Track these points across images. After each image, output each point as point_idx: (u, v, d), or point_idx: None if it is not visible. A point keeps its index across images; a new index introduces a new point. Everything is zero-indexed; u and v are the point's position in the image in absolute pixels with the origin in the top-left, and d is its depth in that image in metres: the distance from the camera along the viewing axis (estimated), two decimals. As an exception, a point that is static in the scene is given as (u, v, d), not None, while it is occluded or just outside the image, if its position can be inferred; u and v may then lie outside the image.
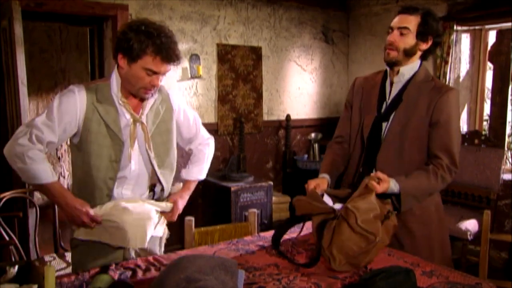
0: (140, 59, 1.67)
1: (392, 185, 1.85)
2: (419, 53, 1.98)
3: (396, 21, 1.98)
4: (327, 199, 1.84)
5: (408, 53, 1.95)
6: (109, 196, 1.82)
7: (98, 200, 1.80)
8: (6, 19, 3.15)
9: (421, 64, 2.02)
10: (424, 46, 1.97)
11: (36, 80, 5.39)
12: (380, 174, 1.81)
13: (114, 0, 3.58)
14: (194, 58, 4.01)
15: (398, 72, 2.00)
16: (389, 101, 2.01)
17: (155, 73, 1.71)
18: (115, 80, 1.78)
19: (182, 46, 3.95)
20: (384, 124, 2.00)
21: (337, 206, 1.78)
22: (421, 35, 1.93)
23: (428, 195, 1.97)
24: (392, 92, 2.02)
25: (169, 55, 1.69)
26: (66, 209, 1.74)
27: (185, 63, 3.98)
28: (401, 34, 1.94)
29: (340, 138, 2.22)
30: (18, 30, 3.04)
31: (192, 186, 2.11)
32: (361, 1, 4.81)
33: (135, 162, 1.83)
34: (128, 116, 1.79)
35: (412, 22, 1.93)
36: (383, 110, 2.02)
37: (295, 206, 1.79)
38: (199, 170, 2.12)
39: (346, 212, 1.66)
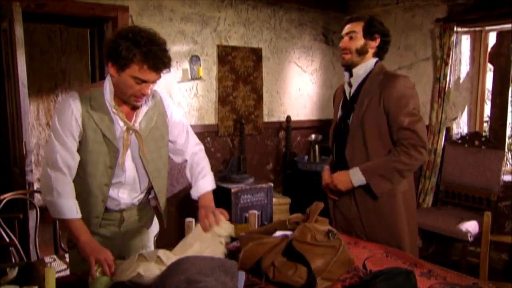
0: (128, 67, 1.64)
1: (352, 175, 2.08)
2: (371, 51, 2.17)
3: (344, 29, 2.21)
4: (279, 234, 1.76)
5: (361, 52, 2.15)
6: (104, 202, 1.82)
7: (93, 206, 1.80)
8: (7, 20, 3.15)
9: (377, 62, 2.19)
10: (374, 44, 2.16)
11: (37, 81, 5.40)
12: (327, 179, 2.19)
13: (114, 1, 3.59)
14: (194, 59, 4.02)
15: (352, 73, 2.19)
16: (349, 100, 2.21)
17: (143, 81, 1.67)
18: (108, 88, 1.76)
19: (183, 48, 3.96)
20: (348, 122, 2.18)
21: (279, 233, 1.74)
22: (368, 34, 2.14)
23: (401, 176, 2.04)
24: (351, 92, 2.21)
25: (156, 64, 1.64)
26: (84, 249, 1.67)
27: (185, 64, 3.98)
28: (350, 38, 2.16)
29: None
30: (19, 31, 3.05)
31: (210, 198, 2.02)
32: (361, 3, 4.82)
33: (129, 169, 1.83)
34: (121, 123, 1.78)
35: (358, 26, 2.16)
36: (344, 110, 2.23)
37: (242, 259, 1.62)
38: (208, 181, 2.03)
39: (302, 231, 1.62)
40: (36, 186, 5.23)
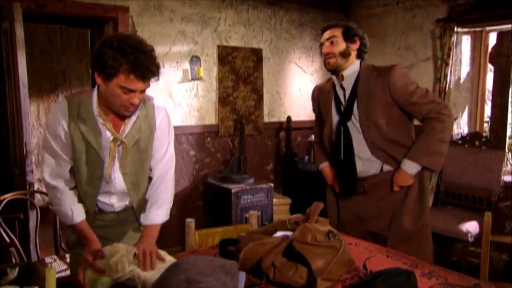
0: (115, 77, 1.56)
1: (406, 167, 2.15)
2: (353, 53, 2.26)
3: (324, 36, 2.29)
4: (281, 234, 1.76)
5: (344, 55, 2.23)
6: (89, 212, 1.81)
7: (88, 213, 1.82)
8: (7, 21, 3.15)
9: (361, 63, 2.28)
10: (355, 46, 2.25)
11: (37, 82, 5.40)
12: (395, 180, 2.18)
13: (115, 1, 3.59)
14: (194, 60, 4.02)
15: (343, 77, 2.26)
16: (345, 103, 2.26)
17: (131, 91, 1.59)
18: (94, 97, 1.70)
19: (183, 48, 3.96)
20: (349, 124, 2.24)
21: (279, 234, 1.74)
22: (348, 37, 2.23)
23: (445, 142, 2.14)
24: (346, 94, 2.27)
25: (143, 73, 1.57)
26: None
27: (185, 64, 3.98)
28: (332, 43, 2.24)
29: (318, 139, 2.60)
30: (19, 32, 3.05)
31: (156, 233, 1.83)
32: (362, 3, 4.82)
33: (119, 178, 1.78)
34: (108, 134, 1.72)
35: (336, 31, 2.25)
36: (343, 112, 2.27)
37: (243, 259, 1.62)
38: (161, 213, 1.85)
39: (302, 231, 1.63)
40: (36, 186, 5.23)
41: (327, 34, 2.27)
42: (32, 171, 3.19)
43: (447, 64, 3.92)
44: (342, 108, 2.28)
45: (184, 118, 4.04)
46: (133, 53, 1.54)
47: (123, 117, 1.74)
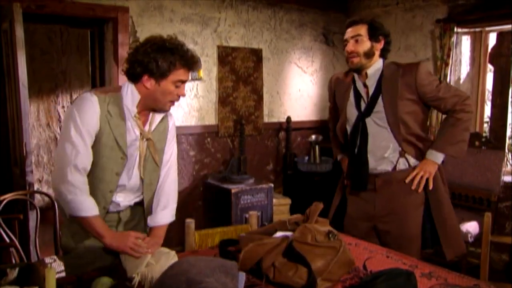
0: (170, 73, 1.72)
1: (432, 157, 2.22)
2: (377, 53, 2.26)
3: (348, 33, 2.25)
4: (281, 235, 1.75)
5: (368, 55, 2.23)
6: (106, 209, 1.82)
7: None
8: (7, 21, 3.15)
9: (383, 61, 2.29)
10: (379, 46, 2.25)
11: (37, 82, 5.40)
12: (419, 171, 2.20)
13: (115, 2, 3.59)
14: (194, 60, 4.01)
15: (366, 75, 2.26)
16: (369, 99, 2.26)
17: (183, 82, 1.78)
18: (130, 95, 1.77)
19: (183, 48, 3.95)
20: (368, 121, 2.25)
21: (279, 234, 1.74)
22: (373, 37, 2.22)
23: (468, 130, 2.24)
24: (369, 92, 2.27)
25: (194, 63, 1.78)
26: (112, 245, 1.73)
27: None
28: (356, 41, 2.22)
29: (333, 129, 2.57)
30: (19, 32, 3.05)
31: (163, 234, 1.91)
32: (361, 3, 4.82)
33: (135, 175, 1.85)
34: (137, 131, 1.80)
35: (361, 29, 2.22)
36: (363, 109, 2.27)
37: (243, 259, 1.62)
38: (167, 214, 1.93)
39: (302, 231, 1.64)
40: (36, 186, 5.23)
41: (351, 32, 2.23)
42: (32, 172, 3.19)
43: (447, 64, 3.92)
44: (363, 104, 2.28)
45: (184, 119, 4.04)
46: (180, 50, 1.74)
47: (146, 117, 1.85)
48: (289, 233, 1.71)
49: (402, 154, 2.24)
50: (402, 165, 2.25)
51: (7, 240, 2.62)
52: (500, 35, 3.89)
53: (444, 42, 3.91)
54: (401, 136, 2.20)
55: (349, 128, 2.35)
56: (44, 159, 5.62)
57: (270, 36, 4.52)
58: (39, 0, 3.24)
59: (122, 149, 1.78)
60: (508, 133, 3.90)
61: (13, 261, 2.61)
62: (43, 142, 5.61)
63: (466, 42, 4.07)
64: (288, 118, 4.55)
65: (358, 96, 2.30)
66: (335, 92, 2.46)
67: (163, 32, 3.80)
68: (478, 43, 4.09)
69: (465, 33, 4.02)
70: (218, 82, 4.20)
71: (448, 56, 3.90)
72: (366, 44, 2.21)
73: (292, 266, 1.53)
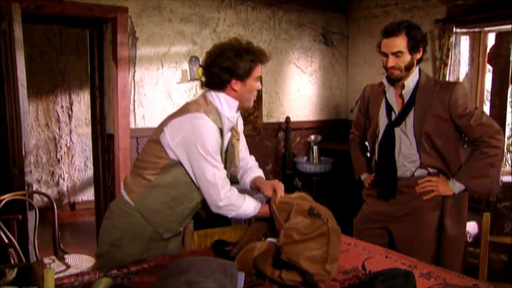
0: (253, 71, 1.84)
1: (452, 186, 2.21)
2: (415, 62, 2.22)
3: (387, 47, 2.18)
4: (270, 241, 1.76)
5: (409, 68, 2.19)
6: (191, 215, 1.98)
7: (184, 216, 1.94)
8: (6, 21, 3.15)
9: (420, 70, 2.25)
10: (418, 56, 2.21)
11: (36, 83, 5.40)
12: (435, 188, 2.20)
13: (114, 2, 3.59)
14: (193, 60, 4.01)
15: (403, 86, 2.23)
16: (401, 109, 2.25)
17: (260, 76, 1.91)
18: (226, 104, 1.86)
19: (182, 49, 3.96)
20: (396, 130, 2.25)
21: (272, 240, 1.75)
22: (413, 49, 2.16)
23: (493, 167, 2.19)
24: (404, 102, 2.25)
25: (266, 56, 1.90)
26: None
27: (184, 65, 3.98)
28: (397, 56, 2.16)
29: (359, 138, 2.62)
30: (18, 32, 3.04)
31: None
32: (361, 4, 4.82)
33: None
34: (229, 135, 1.91)
35: (401, 43, 2.14)
36: (393, 118, 2.27)
37: (239, 267, 1.60)
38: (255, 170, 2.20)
39: (285, 234, 1.65)
40: (35, 187, 5.23)
41: (391, 46, 2.16)
42: (30, 172, 3.19)
43: (446, 65, 3.92)
44: (394, 113, 2.28)
45: (183, 119, 4.03)
46: (251, 49, 1.86)
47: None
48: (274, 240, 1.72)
49: (421, 165, 2.25)
50: (421, 173, 2.27)
51: (6, 240, 2.62)
52: (499, 36, 3.89)
53: (443, 42, 3.92)
54: (423, 149, 2.20)
55: (379, 136, 2.35)
56: (43, 159, 5.62)
57: (269, 36, 4.52)
58: (38, 0, 3.24)
59: (221, 159, 1.87)
60: (507, 133, 3.90)
61: (12, 262, 2.61)
62: (42, 142, 5.60)
63: (465, 43, 4.07)
64: (287, 118, 4.55)
65: (389, 106, 2.31)
66: (369, 99, 2.43)
67: (162, 32, 3.83)
68: (477, 43, 4.09)
69: (464, 34, 4.02)
70: (217, 82, 4.20)
71: (447, 56, 3.90)
72: (406, 58, 2.16)
73: (290, 271, 1.56)
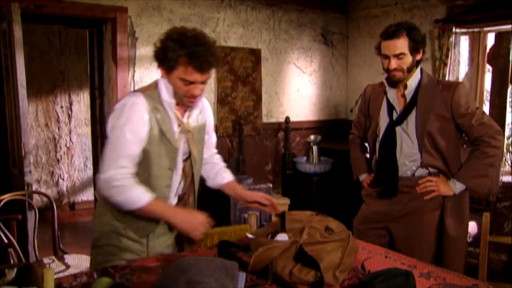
0: (175, 69, 1.66)
1: (453, 186, 2.21)
2: (416, 64, 2.24)
3: (389, 49, 2.17)
4: (282, 237, 1.76)
5: (410, 69, 2.21)
6: (153, 221, 1.84)
7: (135, 222, 1.82)
8: (6, 21, 3.15)
9: (421, 70, 2.27)
10: (419, 57, 2.22)
11: (36, 83, 5.39)
12: (436, 188, 2.20)
13: (113, 2, 3.59)
14: (193, 60, 4.01)
15: (405, 86, 2.24)
16: (403, 108, 2.26)
17: (191, 82, 1.67)
18: (164, 88, 1.74)
19: (182, 49, 3.95)
20: (398, 129, 2.26)
21: (280, 237, 1.75)
22: (414, 50, 2.17)
23: (493, 167, 2.19)
24: (406, 101, 2.26)
25: (201, 64, 1.64)
26: (176, 224, 1.75)
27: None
28: (399, 58, 2.16)
29: (359, 139, 2.61)
30: (18, 32, 3.04)
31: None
32: (360, 4, 4.82)
33: (178, 168, 1.84)
34: (176, 124, 1.78)
35: (403, 45, 2.15)
36: (395, 117, 2.28)
37: (253, 264, 1.61)
38: (229, 174, 2.14)
39: (309, 233, 1.65)
40: (35, 187, 5.23)
41: (393, 48, 2.16)
42: (30, 172, 3.19)
43: (445, 65, 3.92)
44: (395, 113, 2.29)
45: (183, 119, 4.04)
46: (191, 45, 1.62)
47: (184, 110, 1.81)
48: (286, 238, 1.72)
49: (422, 165, 2.25)
50: (422, 172, 2.27)
51: (6, 240, 2.62)
52: (499, 36, 3.89)
53: (442, 42, 3.92)
54: (425, 148, 2.21)
55: (380, 135, 2.35)
56: (42, 159, 5.62)
57: (269, 36, 4.52)
58: (38, 0, 3.24)
59: (171, 142, 1.76)
60: (506, 133, 3.90)
61: (12, 262, 2.60)
62: (41, 142, 5.60)
63: (464, 43, 4.07)
64: (287, 118, 4.55)
65: (390, 105, 2.32)
66: (370, 99, 2.44)
67: (161, 32, 3.80)
68: (476, 43, 4.10)
69: (463, 33, 4.02)
70: (217, 82, 4.20)
71: (447, 56, 3.91)
72: (408, 60, 2.17)
73: (305, 269, 1.57)
